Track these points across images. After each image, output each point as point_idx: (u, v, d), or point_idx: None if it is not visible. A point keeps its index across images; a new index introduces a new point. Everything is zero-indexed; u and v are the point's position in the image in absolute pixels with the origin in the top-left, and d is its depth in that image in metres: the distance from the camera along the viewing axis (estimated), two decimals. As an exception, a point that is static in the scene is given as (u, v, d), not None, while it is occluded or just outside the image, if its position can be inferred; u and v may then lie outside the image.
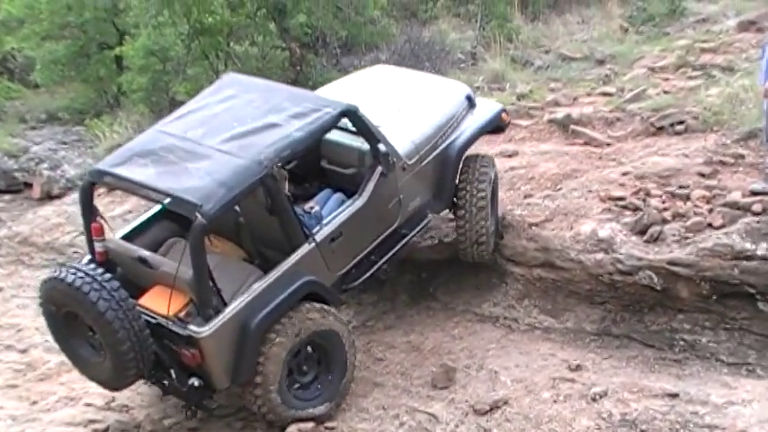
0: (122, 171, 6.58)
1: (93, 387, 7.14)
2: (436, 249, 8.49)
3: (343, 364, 6.92)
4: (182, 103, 12.75)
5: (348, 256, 7.15)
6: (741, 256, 7.14)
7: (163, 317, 6.27)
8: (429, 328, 8.13)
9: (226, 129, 6.74)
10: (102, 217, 6.83)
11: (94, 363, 6.43)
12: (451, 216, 8.14)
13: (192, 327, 6.12)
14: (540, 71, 12.04)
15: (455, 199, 7.90)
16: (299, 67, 12.81)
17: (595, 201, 8.30)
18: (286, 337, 6.45)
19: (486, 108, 8.32)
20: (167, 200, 6.29)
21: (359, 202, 7.07)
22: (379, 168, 7.12)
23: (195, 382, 6.31)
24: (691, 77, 10.76)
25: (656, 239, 7.56)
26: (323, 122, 6.79)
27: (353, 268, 7.23)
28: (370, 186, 7.12)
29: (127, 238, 7.11)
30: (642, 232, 7.67)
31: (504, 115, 8.33)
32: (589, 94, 11.01)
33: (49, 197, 11.58)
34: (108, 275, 6.10)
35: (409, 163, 7.42)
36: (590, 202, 8.31)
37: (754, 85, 9.23)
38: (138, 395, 7.51)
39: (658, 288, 7.43)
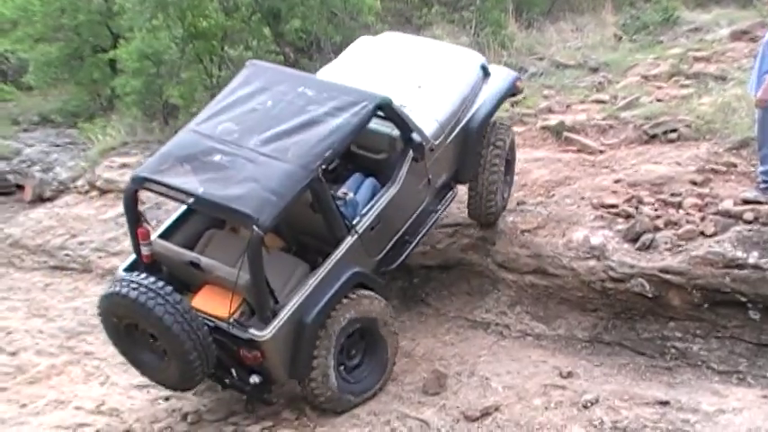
0: (166, 178, 6.56)
1: (83, 390, 7.14)
2: (428, 255, 8.49)
3: (385, 345, 7.18)
4: (175, 106, 12.84)
5: (384, 240, 7.31)
6: (733, 264, 7.14)
7: (220, 319, 6.41)
8: (421, 333, 8.13)
9: (263, 127, 6.74)
10: (146, 221, 6.88)
11: (159, 368, 6.57)
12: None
13: (252, 330, 6.29)
14: (533, 78, 12.04)
15: None
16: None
17: (588, 208, 8.30)
18: (339, 328, 6.70)
19: (501, 76, 8.41)
20: (220, 211, 6.43)
21: (393, 188, 7.19)
22: (411, 154, 7.20)
23: (256, 379, 6.53)
24: (684, 86, 10.77)
25: (648, 247, 7.56)
26: (361, 118, 6.80)
27: (389, 251, 7.39)
28: (403, 172, 7.22)
29: (164, 236, 7.11)
30: (634, 240, 7.68)
31: (518, 83, 8.51)
32: (582, 102, 11.02)
33: (40, 200, 11.55)
34: (169, 288, 6.19)
35: (436, 143, 7.51)
36: (582, 209, 8.31)
37: (746, 94, 9.24)
38: (129, 398, 7.49)
39: (650, 296, 7.43)
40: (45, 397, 7.62)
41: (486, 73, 8.29)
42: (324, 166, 6.58)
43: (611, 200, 8.27)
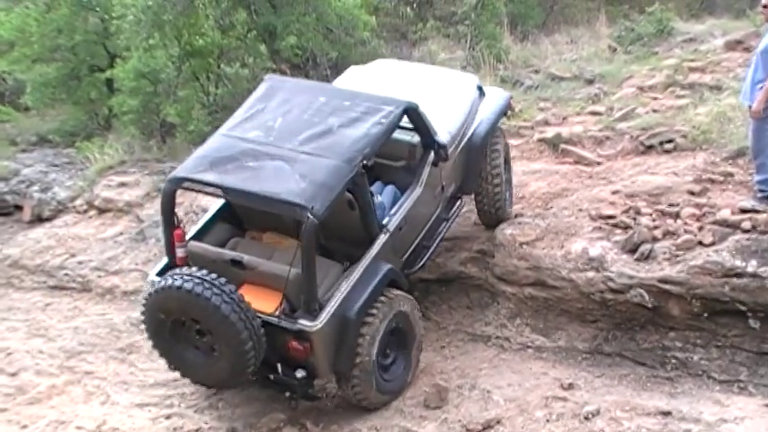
0: (209, 177, 6.73)
1: (84, 410, 7.12)
2: (427, 269, 8.48)
3: (414, 342, 7.45)
4: (172, 125, 12.86)
5: (408, 242, 7.62)
6: (731, 273, 7.15)
7: (265, 314, 6.53)
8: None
9: (297, 131, 7.00)
10: (181, 222, 7.07)
11: (204, 365, 6.63)
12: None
13: (302, 321, 6.46)
14: (529, 91, 12.10)
15: None
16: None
17: (586, 219, 8.32)
18: (379, 324, 6.91)
19: (496, 95, 8.88)
20: (272, 204, 6.54)
21: (417, 191, 7.53)
22: (430, 159, 7.59)
23: (302, 373, 6.63)
24: (679, 96, 10.82)
25: (646, 257, 7.57)
26: (391, 120, 7.12)
27: (410, 255, 7.68)
28: (424, 176, 7.58)
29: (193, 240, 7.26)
30: (633, 250, 7.69)
31: (511, 101, 9.08)
32: (579, 114, 11.07)
33: (39, 220, 11.54)
34: (224, 279, 6.32)
35: (449, 153, 7.80)
36: (580, 220, 8.33)
37: (741, 103, 9.29)
38: (130, 418, 7.48)
39: (650, 306, 7.44)
40: (46, 417, 7.59)
41: (481, 93, 8.65)
42: (365, 162, 6.81)
43: (608, 211, 8.30)
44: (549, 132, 10.40)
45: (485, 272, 8.37)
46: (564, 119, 10.99)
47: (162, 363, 7.00)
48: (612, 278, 7.59)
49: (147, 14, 11.57)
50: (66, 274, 9.96)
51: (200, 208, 9.78)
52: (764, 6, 7.64)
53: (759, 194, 7.80)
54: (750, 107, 7.69)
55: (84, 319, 9.12)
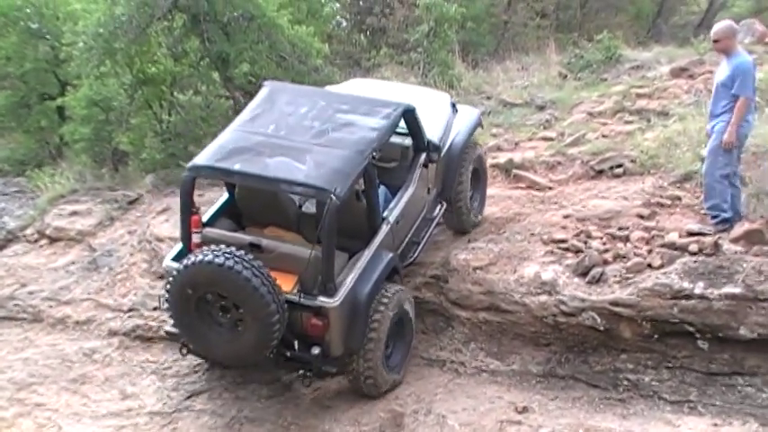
0: (230, 165, 7.09)
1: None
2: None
3: (410, 331, 7.91)
4: (125, 153, 12.78)
5: (402, 236, 8.08)
6: (680, 295, 7.28)
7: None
8: (377, 373, 8.13)
9: (306, 127, 7.44)
10: (198, 210, 7.39)
11: (226, 342, 6.85)
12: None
13: (321, 298, 6.89)
14: (482, 117, 12.22)
15: None
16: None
17: (538, 244, 8.43)
18: (388, 309, 7.35)
19: (468, 111, 9.54)
20: (295, 188, 6.97)
21: (411, 188, 8.06)
22: (421, 160, 8.16)
23: (317, 350, 6.94)
24: (628, 122, 11.05)
25: (597, 281, 7.69)
26: (393, 119, 7.67)
27: (404, 249, 8.15)
28: (416, 176, 8.13)
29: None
30: (584, 274, 7.80)
31: (481, 118, 9.73)
32: (530, 139, 11.24)
33: (-12, 249, 11.36)
34: (251, 255, 6.62)
35: (435, 158, 8.35)
36: (533, 245, 8.44)
37: (687, 128, 9.53)
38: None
39: (601, 329, 7.54)
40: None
41: (454, 109, 9.30)
42: (374, 154, 7.27)
43: (560, 235, 8.42)
44: (502, 158, 10.55)
45: (439, 297, 8.42)
46: (516, 144, 11.15)
47: (115, 392, 6.95)
48: (565, 301, 7.68)
49: (98, 42, 11.49)
50: (16, 305, 9.81)
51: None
52: (715, 42, 7.88)
53: (713, 220, 7.96)
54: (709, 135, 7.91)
55: (34, 350, 8.98)
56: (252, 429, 7.43)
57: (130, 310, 9.21)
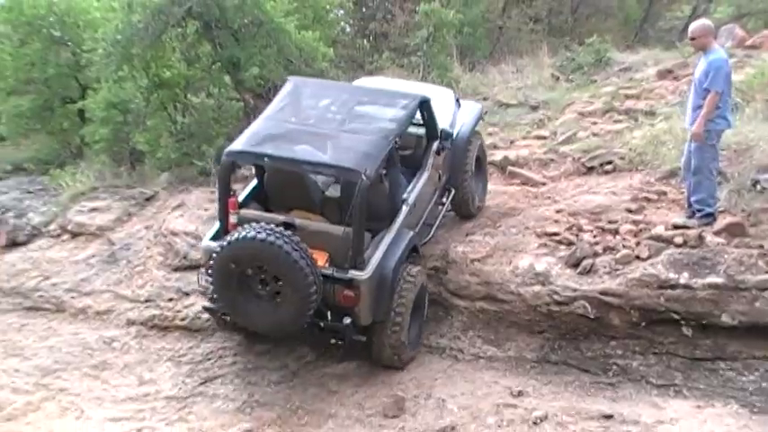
0: (266, 149, 7.27)
1: (59, 425, 7.04)
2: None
3: (424, 309, 8.07)
4: (141, 152, 12.79)
5: (417, 218, 8.21)
6: (666, 285, 7.30)
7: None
8: (380, 360, 8.13)
9: (332, 117, 7.61)
10: (234, 193, 7.53)
11: (266, 313, 6.97)
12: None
13: (353, 272, 7.06)
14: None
15: None
16: (253, 117, 12.82)
17: (532, 237, 8.43)
18: (413, 284, 7.55)
19: (471, 105, 9.71)
20: (329, 170, 7.21)
21: (425, 174, 8.24)
22: (434, 147, 8.33)
23: (348, 320, 7.13)
24: (617, 121, 11.02)
25: (588, 271, 7.70)
26: (412, 109, 7.88)
27: (419, 231, 8.22)
28: (430, 162, 8.32)
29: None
30: (576, 265, 7.81)
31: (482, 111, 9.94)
32: (525, 138, 11.23)
33: (14, 244, 11.34)
34: (290, 231, 6.80)
35: (448, 145, 8.56)
36: (527, 238, 8.44)
37: (673, 127, 9.51)
38: (103, 432, 7.41)
39: (592, 317, 7.55)
40: (21, 434, 7.49)
41: (458, 103, 9.44)
42: (396, 140, 7.44)
43: (553, 228, 8.42)
44: (498, 155, 10.53)
45: (439, 287, 8.42)
46: (511, 143, 11.14)
47: (133, 378, 6.94)
48: (557, 291, 7.69)
49: (116, 48, 11.52)
50: (40, 296, 9.82)
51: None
52: (692, 39, 7.81)
53: (698, 214, 7.88)
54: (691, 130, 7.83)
55: (58, 339, 8.99)
56: (262, 413, 7.44)
57: (147, 300, 9.22)
